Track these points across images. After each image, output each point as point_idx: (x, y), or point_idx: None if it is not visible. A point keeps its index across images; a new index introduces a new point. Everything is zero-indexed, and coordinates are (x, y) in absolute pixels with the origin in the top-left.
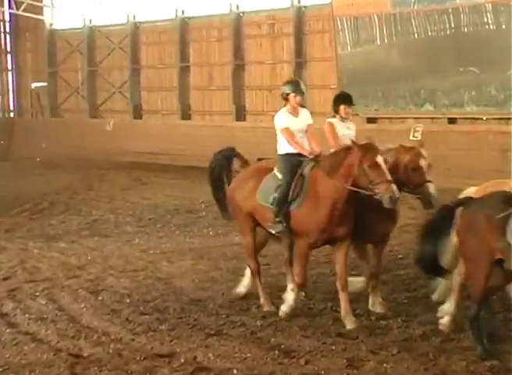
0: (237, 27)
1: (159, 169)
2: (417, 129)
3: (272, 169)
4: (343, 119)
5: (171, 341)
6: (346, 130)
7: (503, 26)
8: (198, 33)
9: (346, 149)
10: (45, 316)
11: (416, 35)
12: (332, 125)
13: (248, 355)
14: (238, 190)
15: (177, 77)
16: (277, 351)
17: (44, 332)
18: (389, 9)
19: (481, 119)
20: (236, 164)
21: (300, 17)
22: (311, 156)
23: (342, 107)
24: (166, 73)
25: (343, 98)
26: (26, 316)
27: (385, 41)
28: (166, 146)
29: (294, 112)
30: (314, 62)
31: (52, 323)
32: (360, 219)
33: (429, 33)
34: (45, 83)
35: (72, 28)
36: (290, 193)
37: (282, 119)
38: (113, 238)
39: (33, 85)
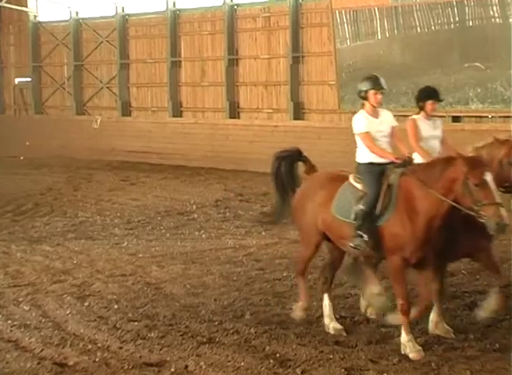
0: (231, 20)
1: (149, 168)
2: None
3: (346, 178)
4: (428, 117)
5: (161, 350)
6: (432, 130)
7: (510, 20)
8: (190, 27)
9: (448, 160)
10: (29, 323)
11: (418, 29)
12: (414, 123)
13: (242, 364)
14: (307, 200)
15: (168, 73)
16: (272, 360)
17: (27, 339)
18: (391, 2)
19: (487, 117)
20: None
21: (297, 10)
22: (399, 161)
23: (429, 103)
24: (156, 68)
25: (429, 93)
26: (9, 322)
27: (387, 35)
28: (156, 145)
29: (374, 113)
30: (312, 56)
31: (36, 330)
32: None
33: (432, 27)
34: (29, 79)
35: (57, 21)
36: (378, 206)
37: (361, 121)
38: (100, 241)
39: (17, 80)
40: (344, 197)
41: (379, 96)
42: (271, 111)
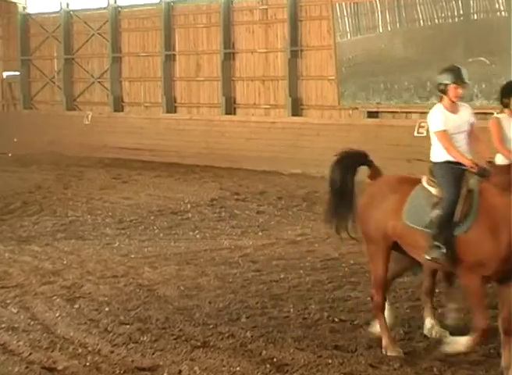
0: (227, 13)
1: (141, 166)
2: (423, 124)
3: (418, 181)
4: None
5: (153, 354)
6: None
7: None
8: (185, 19)
9: None
10: (17, 326)
11: (421, 22)
12: (498, 122)
13: (237, 368)
14: (374, 207)
15: (162, 67)
16: (269, 365)
17: (15, 343)
18: None
19: (492, 113)
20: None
21: (295, 2)
22: (476, 170)
23: None
24: (150, 62)
25: None
26: None
27: (388, 28)
28: (149, 141)
29: (453, 109)
30: (311, 51)
31: (24, 333)
32: None
33: (436, 21)
34: (18, 73)
35: (47, 12)
36: (457, 213)
37: (438, 118)
38: (91, 241)
39: (5, 74)
40: (417, 202)
41: (460, 90)
42: (268, 107)
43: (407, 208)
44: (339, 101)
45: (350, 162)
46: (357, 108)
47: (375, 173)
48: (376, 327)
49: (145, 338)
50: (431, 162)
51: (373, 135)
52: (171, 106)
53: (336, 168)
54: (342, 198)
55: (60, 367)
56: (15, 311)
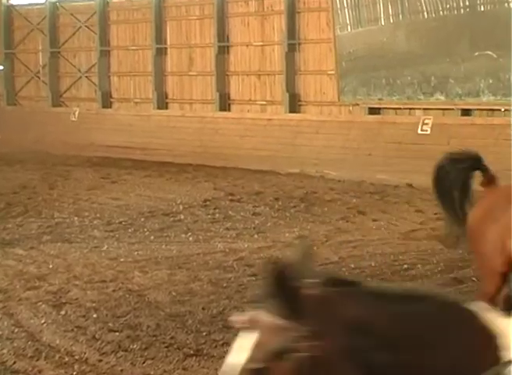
0: (221, 4)
1: (131, 165)
2: (427, 121)
3: None
4: None
5: (144, 362)
6: None
7: None
8: (177, 11)
9: None
10: (0, 333)
11: (425, 14)
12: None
13: None
14: (488, 222)
15: (152, 61)
16: None
17: None
18: None
19: (499, 110)
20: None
21: None
22: None
23: None
24: (140, 56)
25: None
26: None
27: (391, 20)
28: (139, 139)
29: None
30: (310, 44)
31: (8, 341)
32: None
33: (440, 12)
34: (1, 67)
35: (32, 4)
36: None
37: None
38: (78, 244)
39: None
40: None
41: None
42: (264, 103)
43: None
44: (339, 97)
45: (463, 164)
46: (357, 105)
47: (490, 180)
48: None
49: (135, 346)
50: None
51: (374, 132)
52: (162, 102)
53: (445, 171)
54: (451, 208)
55: None
56: None
